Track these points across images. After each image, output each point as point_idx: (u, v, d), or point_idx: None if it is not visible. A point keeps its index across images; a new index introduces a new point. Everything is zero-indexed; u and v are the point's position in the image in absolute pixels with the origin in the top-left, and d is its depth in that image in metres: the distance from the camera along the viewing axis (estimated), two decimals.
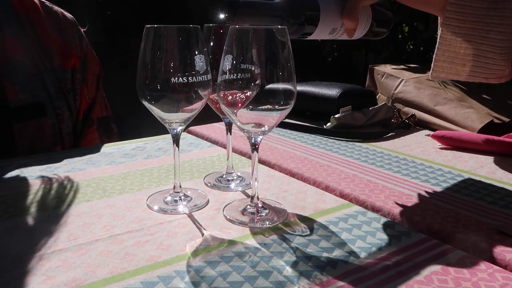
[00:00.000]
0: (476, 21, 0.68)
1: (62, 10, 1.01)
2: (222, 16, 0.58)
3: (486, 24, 0.68)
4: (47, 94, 0.94)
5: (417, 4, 0.74)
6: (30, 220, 0.53)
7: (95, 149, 0.83)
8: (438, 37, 0.71)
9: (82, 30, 1.04)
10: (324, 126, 0.98)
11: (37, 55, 0.94)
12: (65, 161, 0.75)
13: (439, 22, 0.72)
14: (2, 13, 0.90)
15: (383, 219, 0.55)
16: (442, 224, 0.53)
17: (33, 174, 0.69)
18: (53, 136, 0.95)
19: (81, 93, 1.01)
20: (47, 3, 0.99)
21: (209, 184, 0.66)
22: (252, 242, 0.49)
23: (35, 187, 0.64)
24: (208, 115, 0.71)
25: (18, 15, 0.92)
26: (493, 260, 0.46)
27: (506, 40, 0.67)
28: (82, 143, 1.03)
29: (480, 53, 0.69)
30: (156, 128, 0.73)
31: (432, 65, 0.74)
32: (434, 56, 0.73)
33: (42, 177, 0.68)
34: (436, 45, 0.72)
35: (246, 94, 0.49)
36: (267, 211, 0.56)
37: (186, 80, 0.52)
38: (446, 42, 0.71)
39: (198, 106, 0.55)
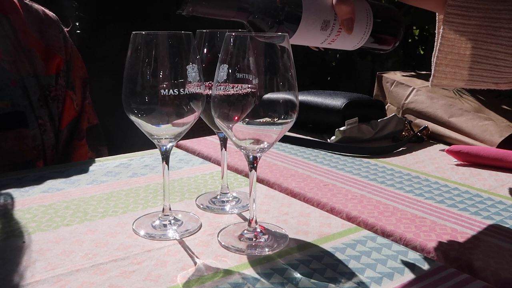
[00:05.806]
0: (483, 16, 0.65)
1: (43, 8, 1.02)
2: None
3: (494, 20, 0.65)
4: (29, 103, 0.94)
5: (415, 0, 0.72)
6: (3, 248, 0.53)
7: (74, 166, 0.83)
8: (439, 37, 0.68)
9: (65, 29, 1.05)
10: (328, 140, 0.99)
11: (18, 59, 0.95)
12: (41, 180, 0.75)
13: (437, 19, 0.70)
14: None
15: (395, 245, 0.55)
16: (459, 250, 0.53)
17: (6, 195, 0.69)
18: (35, 149, 0.95)
19: (65, 100, 1.02)
20: (26, 1, 1.00)
21: (201, 206, 0.66)
22: (250, 271, 0.49)
23: (8, 211, 0.63)
24: (200, 128, 0.71)
25: None
26: None
27: None
28: (74, 158, 1.04)
29: (489, 54, 0.67)
30: (143, 142, 0.73)
31: (432, 70, 0.71)
32: (434, 59, 0.69)
33: (16, 198, 0.68)
34: (437, 47, 0.69)
35: (243, 104, 0.48)
36: (266, 236, 0.56)
37: (177, 92, 0.52)
38: (449, 43, 0.68)
39: (190, 120, 0.55)
